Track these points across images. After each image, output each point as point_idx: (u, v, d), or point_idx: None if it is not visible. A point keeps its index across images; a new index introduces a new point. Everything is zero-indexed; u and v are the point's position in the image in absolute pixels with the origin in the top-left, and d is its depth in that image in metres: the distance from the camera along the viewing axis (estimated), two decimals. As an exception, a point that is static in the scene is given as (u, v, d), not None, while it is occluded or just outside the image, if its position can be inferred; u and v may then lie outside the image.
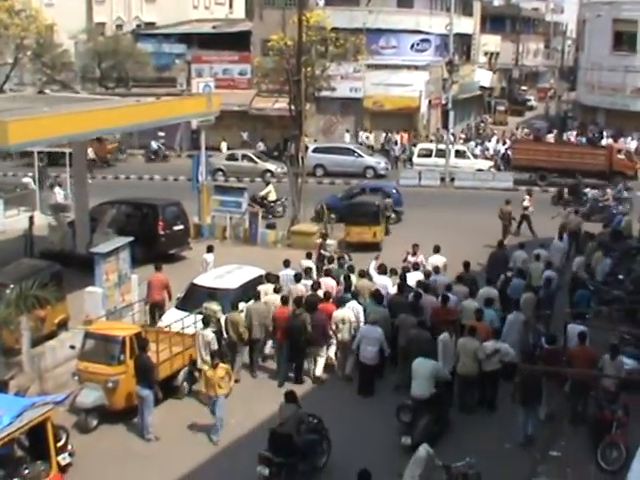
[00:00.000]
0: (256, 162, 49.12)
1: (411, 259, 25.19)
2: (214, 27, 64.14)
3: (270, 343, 21.20)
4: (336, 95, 54.75)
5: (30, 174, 39.17)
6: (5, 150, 36.35)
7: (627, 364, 19.18)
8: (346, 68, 54.38)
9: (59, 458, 14.61)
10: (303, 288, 22.14)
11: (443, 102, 58.20)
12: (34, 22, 54.08)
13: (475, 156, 51.83)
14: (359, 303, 20.93)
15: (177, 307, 21.99)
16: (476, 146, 55.64)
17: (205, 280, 22.74)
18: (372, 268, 24.04)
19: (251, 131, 56.98)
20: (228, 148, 53.00)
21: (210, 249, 25.94)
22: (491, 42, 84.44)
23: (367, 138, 56.57)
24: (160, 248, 29.31)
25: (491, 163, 50.87)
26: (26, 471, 13.22)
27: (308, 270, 23.57)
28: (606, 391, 17.21)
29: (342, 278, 23.05)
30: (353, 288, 22.02)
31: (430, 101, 59.78)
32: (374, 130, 57.19)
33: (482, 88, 75.60)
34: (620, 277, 25.11)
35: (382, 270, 23.66)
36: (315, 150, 48.59)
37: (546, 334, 19.94)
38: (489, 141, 57.47)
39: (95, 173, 48.25)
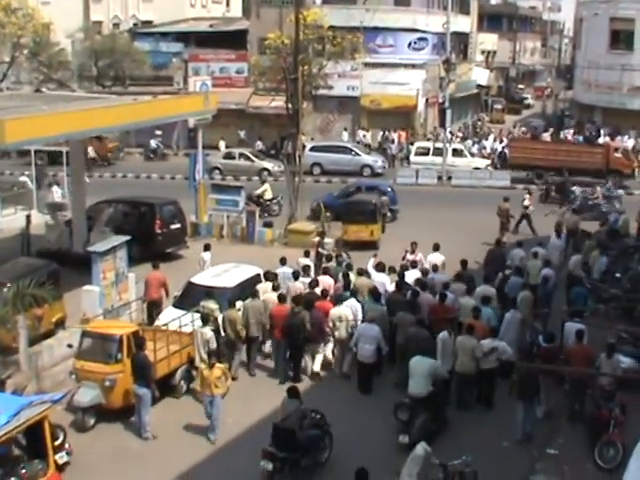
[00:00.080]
0: (253, 161, 49.07)
1: (410, 257, 25.22)
2: (211, 25, 64.14)
3: (270, 342, 21.21)
4: (333, 93, 54.78)
5: (27, 173, 39.10)
6: (2, 149, 36.25)
7: (624, 362, 19.24)
8: (343, 66, 54.23)
9: (56, 457, 14.62)
10: (301, 286, 22.17)
11: (440, 101, 58.12)
12: (31, 21, 54.01)
13: (472, 155, 51.84)
14: (358, 301, 20.94)
15: (174, 306, 21.98)
16: (473, 145, 55.64)
17: (202, 279, 22.74)
18: (370, 266, 24.07)
19: (248, 129, 56.94)
20: (226, 147, 52.94)
21: (207, 248, 25.93)
22: (488, 40, 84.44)
23: (364, 136, 56.56)
24: (157, 247, 29.29)
25: (488, 161, 50.89)
26: (23, 470, 13.20)
27: (306, 268, 23.60)
28: (603, 389, 17.22)
29: (340, 276, 23.09)
30: (352, 286, 22.02)
31: (427, 100, 59.78)
32: (371, 129, 57.13)
33: (479, 87, 75.62)
34: (617, 275, 25.16)
35: (380, 268, 23.71)
36: (312, 149, 48.57)
37: (543, 332, 20.00)
38: (486, 139, 57.46)
39: (96, 172, 48.36)
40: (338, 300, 20.94)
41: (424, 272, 23.42)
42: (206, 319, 19.50)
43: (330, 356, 20.96)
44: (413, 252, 25.53)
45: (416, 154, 50.72)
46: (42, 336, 20.61)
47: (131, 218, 30.57)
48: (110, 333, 18.31)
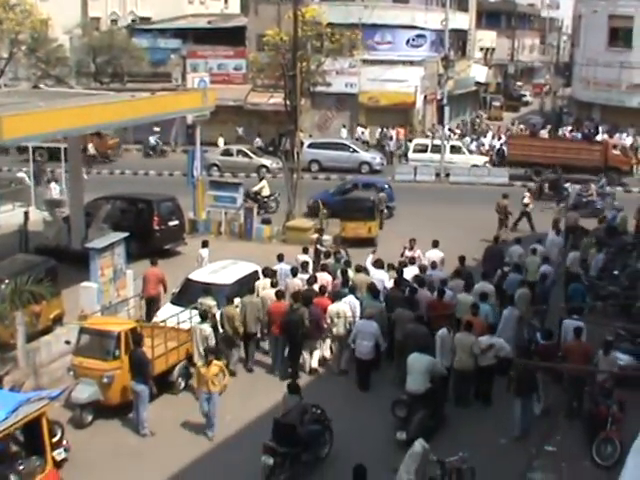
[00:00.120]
0: (251, 157, 49.02)
1: (408, 253, 25.24)
2: (209, 22, 64.06)
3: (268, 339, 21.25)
4: (331, 90, 54.78)
5: (25, 169, 39.07)
6: (0, 145, 36.24)
7: (622, 359, 19.26)
8: (341, 63, 54.30)
9: (54, 453, 14.63)
10: (299, 282, 22.17)
11: (438, 97, 58.06)
12: (29, 17, 53.87)
13: (470, 152, 51.82)
14: (356, 298, 20.95)
15: (172, 302, 21.99)
16: (471, 142, 55.68)
17: (200, 275, 22.74)
18: (368, 263, 24.10)
19: (246, 126, 56.90)
20: (225, 143, 52.91)
21: (205, 244, 25.93)
22: (487, 38, 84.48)
23: (362, 133, 56.55)
24: (155, 243, 29.29)
25: (486, 158, 50.86)
26: (21, 467, 13.20)
27: (305, 264, 23.61)
28: (601, 386, 17.24)
29: (339, 273, 23.11)
30: (350, 283, 22.03)
31: (425, 96, 59.80)
32: (370, 125, 57.07)
33: (477, 84, 75.66)
34: (615, 273, 25.17)
35: (379, 264, 23.72)
36: (310, 145, 48.53)
37: (541, 329, 20.02)
38: (484, 137, 57.50)
39: (96, 168, 48.40)
40: (337, 297, 20.96)
41: (422, 268, 23.44)
42: (205, 315, 19.52)
43: (327, 353, 20.97)
44: (412, 249, 25.56)
45: (414, 151, 50.70)
46: (40, 332, 20.61)
47: (129, 215, 30.57)
48: (108, 330, 18.30)
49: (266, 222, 33.68)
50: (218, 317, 20.23)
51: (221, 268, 23.25)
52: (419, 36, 59.74)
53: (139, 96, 29.96)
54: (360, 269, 23.32)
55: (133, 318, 21.07)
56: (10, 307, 17.94)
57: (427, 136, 55.62)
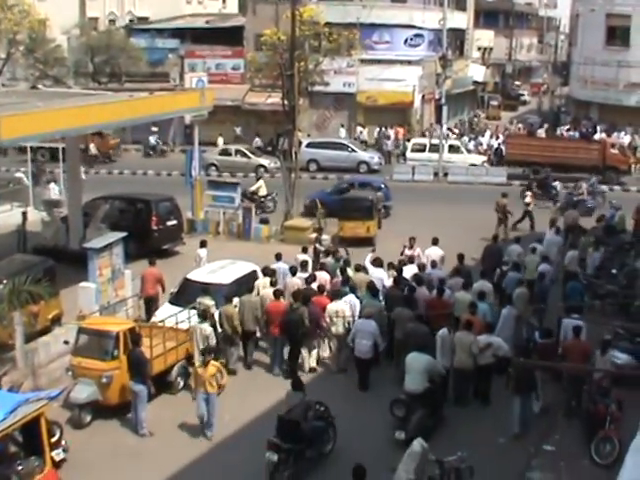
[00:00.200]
0: (249, 157, 49.00)
1: (408, 252, 25.26)
2: (207, 22, 64.05)
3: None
4: (329, 90, 54.81)
5: (23, 169, 39.05)
6: (-2, 146, 36.25)
7: (620, 358, 19.27)
8: (339, 63, 54.34)
9: (53, 454, 14.62)
10: (299, 282, 22.18)
11: (436, 97, 58.22)
12: (27, 17, 53.97)
13: (468, 151, 51.86)
14: (356, 297, 20.95)
15: (171, 302, 21.99)
16: (469, 141, 55.68)
17: (198, 275, 22.74)
18: (367, 261, 24.11)
19: (244, 126, 56.88)
20: (224, 143, 52.90)
21: (203, 244, 25.92)
22: (484, 37, 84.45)
23: (361, 133, 56.57)
24: (153, 243, 29.27)
25: (484, 158, 50.87)
26: (20, 467, 13.19)
27: (304, 264, 23.62)
28: (598, 385, 17.26)
29: (338, 272, 23.13)
30: (350, 281, 22.03)
31: (423, 96, 59.78)
32: (368, 125, 57.06)
33: (475, 83, 75.66)
34: (613, 271, 25.18)
35: (377, 263, 23.74)
36: (308, 145, 48.50)
37: (540, 328, 20.03)
38: (482, 136, 57.49)
39: (97, 168, 48.40)
40: (337, 295, 20.97)
41: (421, 267, 23.47)
42: (205, 315, 19.54)
43: (327, 353, 20.97)
44: (411, 247, 25.57)
45: (412, 150, 50.71)
46: (38, 333, 20.58)
47: (127, 215, 30.55)
48: (106, 330, 18.29)
49: (264, 222, 33.66)
50: (217, 317, 20.23)
51: (219, 268, 23.24)
52: (417, 35, 59.75)
53: (137, 96, 29.98)
54: (359, 268, 23.34)
55: (131, 318, 21.05)
56: (8, 307, 17.91)
57: (425, 136, 55.62)
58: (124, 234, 23.83)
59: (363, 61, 56.66)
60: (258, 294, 21.52)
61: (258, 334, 21.00)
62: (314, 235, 29.64)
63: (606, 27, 60.63)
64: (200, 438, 17.26)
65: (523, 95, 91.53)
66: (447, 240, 26.73)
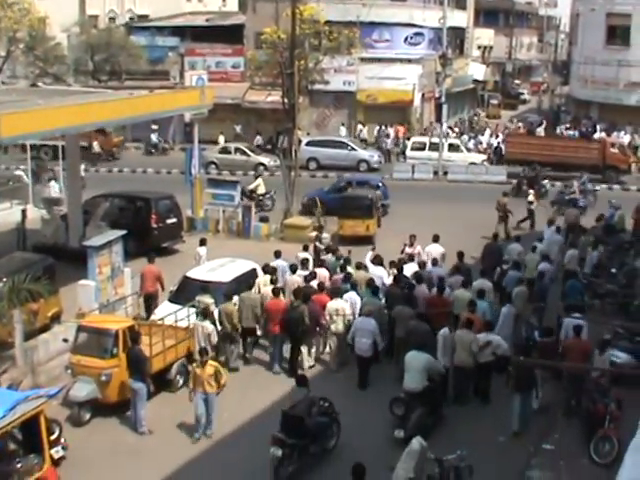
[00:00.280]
0: (249, 155, 49.01)
1: (408, 250, 25.26)
2: (207, 20, 64.02)
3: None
4: (329, 88, 54.75)
5: (22, 167, 39.03)
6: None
7: (620, 358, 19.28)
8: (339, 61, 54.35)
9: (52, 451, 14.63)
10: (299, 279, 22.19)
11: (436, 95, 58.24)
12: (27, 15, 53.88)
13: (468, 149, 51.83)
14: (357, 294, 20.96)
15: (170, 300, 21.98)
16: (469, 140, 55.66)
17: (198, 273, 22.73)
18: (367, 259, 24.13)
19: (244, 124, 56.84)
20: (225, 141, 52.88)
21: (203, 242, 25.92)
22: (484, 36, 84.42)
23: (361, 131, 56.57)
24: (153, 241, 29.23)
25: (484, 157, 50.86)
26: (19, 465, 13.20)
27: (305, 261, 23.62)
28: (596, 383, 17.27)
29: (338, 269, 23.15)
30: (352, 278, 22.05)
31: (423, 94, 59.76)
32: (368, 123, 57.07)
33: (475, 82, 75.63)
34: (613, 271, 25.19)
35: (377, 261, 23.75)
36: (308, 143, 48.55)
37: (539, 327, 20.03)
38: (482, 134, 57.49)
39: (101, 166, 48.39)
40: (337, 293, 20.98)
41: (421, 265, 23.48)
42: (206, 313, 19.58)
43: (327, 349, 20.97)
44: (412, 245, 25.58)
45: (412, 149, 50.71)
46: (38, 331, 20.57)
47: (127, 212, 30.53)
48: (106, 328, 18.28)
49: (264, 220, 33.68)
50: (216, 315, 20.23)
51: (219, 266, 23.24)
52: (417, 34, 59.77)
53: (137, 94, 30.03)
54: (360, 266, 23.37)
55: (131, 316, 21.05)
56: (8, 305, 17.90)
57: (425, 134, 55.61)
58: (124, 232, 23.85)
59: (363, 59, 56.65)
60: (259, 292, 21.53)
61: (259, 332, 21.00)
62: (314, 233, 29.64)
63: (606, 26, 60.64)
64: (201, 432, 17.23)
65: (523, 94, 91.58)
66: (447, 238, 26.72)
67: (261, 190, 37.74)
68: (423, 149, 50.13)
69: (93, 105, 26.60)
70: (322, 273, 22.86)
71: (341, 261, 24.17)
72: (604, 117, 60.11)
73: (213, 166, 48.04)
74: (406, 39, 59.79)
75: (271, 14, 51.29)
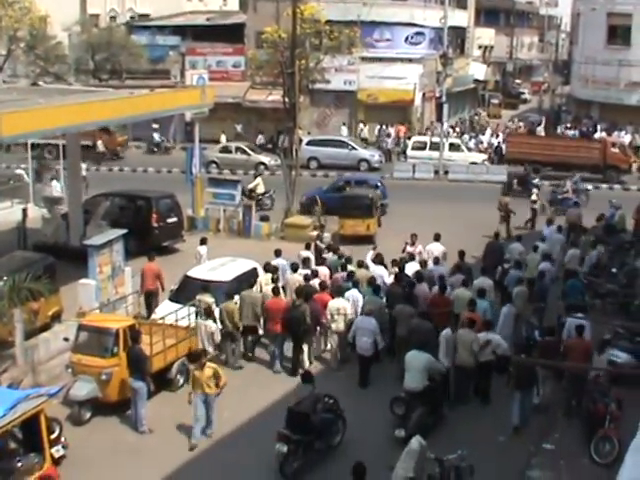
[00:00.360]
0: (250, 154, 49.01)
1: (410, 249, 25.26)
2: (208, 19, 64.01)
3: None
4: (330, 88, 54.68)
5: (23, 166, 39.04)
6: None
7: (620, 357, 19.28)
8: (340, 61, 54.28)
9: (52, 450, 14.64)
10: (300, 278, 22.19)
11: (437, 95, 58.18)
12: (28, 14, 53.88)
13: (469, 149, 51.81)
14: (359, 292, 20.98)
15: (171, 299, 21.99)
16: (470, 139, 55.66)
17: (199, 272, 22.73)
18: (369, 258, 24.14)
19: (245, 123, 56.82)
20: (227, 140, 52.87)
21: (203, 241, 25.93)
22: (485, 35, 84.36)
23: (361, 131, 56.57)
24: (154, 240, 29.23)
25: (485, 156, 50.86)
26: (19, 463, 13.22)
27: (306, 260, 23.61)
28: (595, 383, 17.27)
29: (339, 268, 23.17)
30: (354, 276, 22.07)
31: (424, 94, 59.73)
32: (368, 123, 57.05)
33: (476, 81, 75.58)
34: (613, 271, 25.18)
35: (378, 260, 23.76)
36: (309, 143, 48.55)
37: (540, 327, 20.03)
38: (483, 134, 57.49)
39: (104, 165, 48.44)
40: (339, 291, 21.00)
41: (422, 264, 23.48)
42: (209, 312, 19.59)
43: (328, 347, 20.97)
44: (413, 244, 25.59)
45: (413, 148, 50.72)
46: (38, 330, 20.57)
47: (128, 212, 30.54)
48: (106, 327, 18.28)
49: (264, 219, 33.69)
50: (217, 314, 20.23)
51: (220, 265, 23.25)
52: (418, 34, 59.75)
53: (138, 93, 30.00)
54: (362, 264, 23.40)
55: (131, 315, 21.04)
56: (8, 304, 17.94)
57: (426, 134, 55.60)
58: (124, 231, 23.86)
59: (364, 59, 56.63)
60: (261, 290, 21.53)
61: (260, 331, 21.00)
62: (315, 233, 29.64)
63: (607, 26, 60.65)
64: (199, 435, 17.23)
65: (524, 94, 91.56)
66: (448, 238, 26.73)
67: (260, 189, 37.72)
68: (424, 149, 50.12)
69: (94, 104, 26.60)
70: (322, 271, 22.87)
71: (342, 260, 24.18)
72: (605, 117, 60.11)
73: (214, 165, 48.03)
74: (407, 39, 59.77)
75: (272, 13, 51.37)
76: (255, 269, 23.12)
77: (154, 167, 48.69)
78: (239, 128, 56.33)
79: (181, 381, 19.36)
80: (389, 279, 22.69)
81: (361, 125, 57.06)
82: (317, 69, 49.05)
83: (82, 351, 18.18)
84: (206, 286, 21.10)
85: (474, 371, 18.47)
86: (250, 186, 37.57)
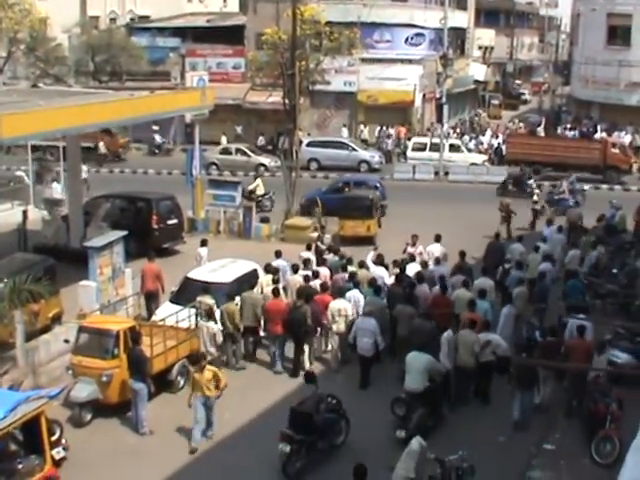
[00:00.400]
0: (250, 156, 49.02)
1: (410, 250, 25.26)
2: (208, 21, 64.06)
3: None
4: (330, 89, 54.74)
5: (23, 168, 39.03)
6: (-1, 144, 36.23)
7: (621, 358, 19.28)
8: (340, 62, 54.33)
9: (53, 452, 14.64)
10: (301, 279, 22.20)
11: (437, 96, 58.17)
12: (28, 15, 53.86)
13: (469, 150, 51.82)
14: (360, 292, 20.99)
15: (171, 301, 21.98)
16: (470, 140, 55.66)
17: (199, 274, 22.72)
18: (369, 259, 24.15)
19: (245, 125, 56.83)
20: (227, 142, 52.86)
21: (204, 243, 25.93)
22: (485, 36, 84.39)
23: (361, 132, 56.58)
24: (154, 242, 29.17)
25: (485, 157, 50.87)
26: (20, 465, 13.22)
27: (307, 261, 23.62)
28: (594, 383, 17.27)
29: (340, 269, 23.17)
30: (356, 277, 22.07)
31: (424, 95, 59.73)
32: (369, 124, 57.06)
33: (476, 82, 75.60)
34: (614, 271, 25.18)
35: (379, 261, 23.77)
36: (309, 144, 48.55)
37: (540, 327, 20.02)
38: (483, 135, 57.49)
39: (106, 167, 48.46)
40: (340, 292, 21.00)
41: (424, 264, 23.49)
42: (211, 313, 19.61)
43: (329, 348, 20.97)
44: (414, 245, 25.59)
45: (413, 149, 50.72)
46: (39, 331, 20.57)
47: (128, 213, 30.54)
48: (107, 328, 18.27)
49: (265, 221, 33.69)
50: (218, 315, 20.23)
51: (220, 267, 23.23)
52: (418, 35, 59.77)
53: (138, 95, 30.03)
54: (363, 264, 23.41)
55: (132, 316, 21.05)
56: (9, 306, 17.95)
57: (426, 135, 55.59)
58: (125, 233, 23.86)
59: (364, 60, 56.64)
60: (262, 292, 21.54)
61: (262, 333, 21.00)
62: (316, 234, 29.63)
63: (607, 26, 60.65)
64: (199, 438, 17.23)
65: (524, 94, 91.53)
66: (448, 239, 26.73)
67: (260, 191, 37.72)
68: (424, 150, 50.12)
69: (94, 106, 26.61)
70: (323, 272, 22.88)
71: (343, 261, 24.19)
72: (605, 117, 60.11)
73: (214, 167, 48.03)
74: (407, 40, 59.80)
75: (272, 15, 51.37)
76: (256, 270, 23.11)
77: (154, 169, 48.69)
78: (239, 130, 56.34)
79: (182, 383, 19.35)
80: (390, 280, 22.68)
81: (361, 126, 57.07)
82: (317, 70, 49.07)
83: (83, 353, 18.18)
84: (207, 288, 21.08)
85: (474, 372, 18.48)
86: (250, 187, 37.57)
